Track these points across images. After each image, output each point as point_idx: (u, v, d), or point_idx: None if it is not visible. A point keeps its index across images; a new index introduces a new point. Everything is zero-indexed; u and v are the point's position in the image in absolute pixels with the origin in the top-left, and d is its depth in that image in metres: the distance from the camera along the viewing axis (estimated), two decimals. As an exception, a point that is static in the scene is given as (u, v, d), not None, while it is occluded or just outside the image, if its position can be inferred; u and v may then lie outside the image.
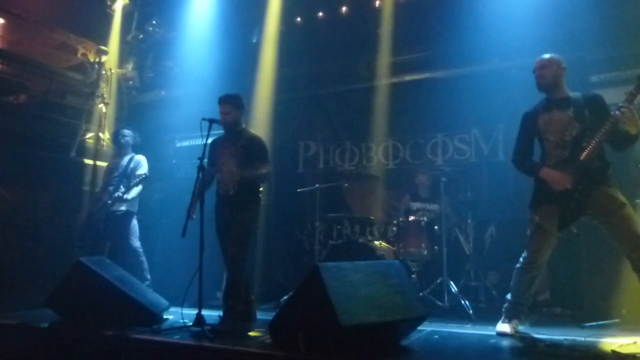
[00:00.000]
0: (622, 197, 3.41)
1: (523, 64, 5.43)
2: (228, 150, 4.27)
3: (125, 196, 5.23)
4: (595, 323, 3.96)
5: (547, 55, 3.70)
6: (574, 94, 3.63)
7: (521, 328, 3.79)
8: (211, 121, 4.16)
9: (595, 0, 4.95)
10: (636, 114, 3.32)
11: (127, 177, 5.36)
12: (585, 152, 3.41)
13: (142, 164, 5.44)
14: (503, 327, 3.72)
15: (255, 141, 4.32)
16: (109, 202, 5.23)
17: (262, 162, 4.21)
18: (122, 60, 7.19)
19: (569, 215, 3.45)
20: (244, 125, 4.45)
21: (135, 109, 7.28)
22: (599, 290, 4.30)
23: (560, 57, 3.69)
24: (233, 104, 4.33)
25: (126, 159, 5.47)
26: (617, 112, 3.31)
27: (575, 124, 3.50)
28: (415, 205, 5.62)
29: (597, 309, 4.19)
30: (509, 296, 3.78)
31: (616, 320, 4.03)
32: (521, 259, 3.69)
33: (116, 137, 5.61)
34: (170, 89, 7.10)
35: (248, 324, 4.05)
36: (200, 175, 4.03)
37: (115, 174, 5.41)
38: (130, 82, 7.31)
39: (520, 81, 5.42)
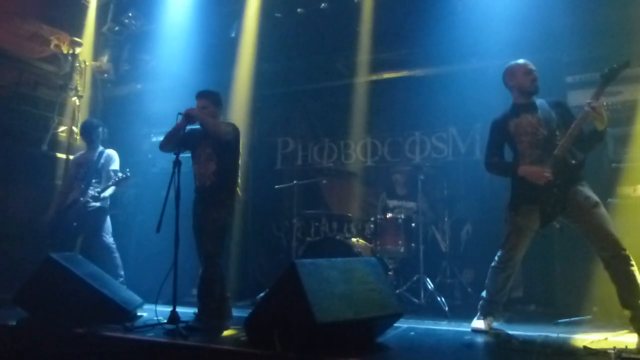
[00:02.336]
0: (595, 196, 3.48)
1: (500, 63, 5.45)
2: (204, 142, 4.23)
3: (103, 195, 5.13)
4: (568, 320, 4.04)
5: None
6: (538, 100, 3.73)
7: (496, 325, 3.85)
8: (187, 115, 4.10)
9: (571, 2, 5.02)
10: (603, 110, 3.41)
11: (98, 172, 5.26)
12: (558, 147, 3.48)
13: (114, 159, 5.34)
14: (478, 323, 3.78)
15: (229, 125, 4.30)
16: (82, 199, 5.12)
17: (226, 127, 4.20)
18: (96, 53, 7.04)
19: (550, 211, 3.50)
20: (221, 120, 4.40)
21: (110, 103, 7.15)
22: (571, 287, 4.40)
23: None
24: (211, 99, 4.29)
25: (96, 153, 5.34)
26: (586, 108, 3.39)
27: (544, 124, 3.60)
28: (392, 203, 5.65)
29: (570, 306, 4.28)
30: (484, 294, 3.84)
31: (588, 317, 4.11)
32: (496, 258, 3.75)
33: (86, 130, 5.46)
34: (146, 83, 6.98)
35: (223, 321, 4.01)
36: (176, 170, 3.97)
37: (85, 169, 5.27)
38: (105, 75, 7.17)
39: (498, 81, 5.48)
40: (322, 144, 6.66)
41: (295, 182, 5.66)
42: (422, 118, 6.05)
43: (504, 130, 3.78)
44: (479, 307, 3.86)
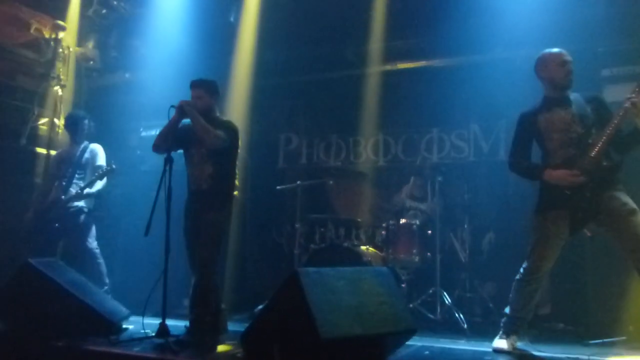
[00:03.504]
0: (632, 203, 3.47)
1: (528, 54, 5.49)
2: (199, 141, 4.24)
3: (86, 191, 5.18)
4: (600, 340, 4.04)
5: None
6: (573, 94, 3.72)
7: (520, 344, 3.84)
8: (181, 108, 4.13)
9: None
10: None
11: (82, 169, 5.31)
12: (596, 149, 3.46)
13: (99, 154, 5.39)
14: (500, 343, 3.76)
15: (225, 125, 4.30)
16: (63, 197, 5.17)
17: (223, 130, 4.19)
18: (81, 38, 7.08)
19: (581, 217, 3.51)
20: (217, 114, 4.43)
21: (96, 93, 7.20)
22: (604, 304, 4.39)
23: None
24: (206, 89, 4.31)
25: (79, 148, 5.39)
26: (625, 104, 3.38)
27: (579, 121, 3.58)
28: (409, 203, 5.65)
29: (602, 325, 4.28)
30: (507, 310, 3.83)
31: (623, 337, 4.11)
32: (521, 270, 3.74)
33: (72, 123, 5.50)
34: (135, 72, 7.03)
35: (217, 335, 4.05)
36: (168, 168, 4.00)
37: (67, 166, 5.32)
38: (91, 62, 7.22)
39: (526, 73, 5.48)
40: (329, 141, 6.69)
41: (298, 182, 5.68)
42: (441, 113, 6.07)
43: (532, 125, 3.76)
44: (501, 324, 3.85)
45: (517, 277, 3.76)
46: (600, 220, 3.51)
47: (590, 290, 4.48)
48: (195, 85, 4.31)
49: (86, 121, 5.50)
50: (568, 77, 3.69)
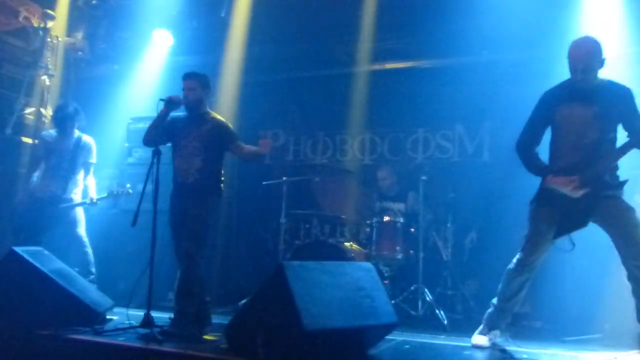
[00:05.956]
0: (628, 202, 3.47)
1: (515, 57, 5.61)
2: (191, 134, 4.27)
3: (95, 200, 5.24)
4: (577, 337, 4.14)
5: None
6: (602, 83, 3.54)
7: (500, 340, 3.86)
8: (169, 102, 4.17)
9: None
10: None
11: (75, 162, 5.26)
12: (603, 164, 3.41)
13: (92, 149, 5.38)
14: (479, 339, 3.78)
15: (223, 126, 4.35)
16: (64, 196, 5.13)
17: (238, 139, 4.35)
18: (71, 28, 7.05)
19: (567, 225, 3.50)
20: (208, 109, 4.47)
21: (84, 84, 7.18)
22: (581, 303, 4.50)
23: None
24: (198, 81, 4.33)
25: (71, 140, 5.33)
26: None
27: (597, 125, 3.47)
28: (387, 204, 5.72)
29: (579, 323, 4.38)
30: (494, 300, 3.82)
31: (598, 334, 4.21)
32: (514, 260, 3.71)
33: (64, 114, 5.36)
34: (124, 63, 7.02)
35: (202, 327, 4.07)
36: (155, 160, 4.03)
37: (58, 158, 5.23)
38: (80, 52, 7.19)
39: (512, 76, 5.60)
40: (316, 138, 6.74)
41: (284, 178, 5.72)
42: (427, 113, 6.14)
43: (550, 114, 3.63)
44: (484, 317, 3.85)
45: (509, 267, 3.72)
46: (597, 219, 3.48)
47: (569, 290, 4.59)
48: (188, 76, 4.34)
49: (80, 115, 5.42)
50: (577, 74, 3.49)
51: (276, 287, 3.15)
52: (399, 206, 5.63)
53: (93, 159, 5.37)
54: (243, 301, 4.90)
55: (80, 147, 5.33)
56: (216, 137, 4.26)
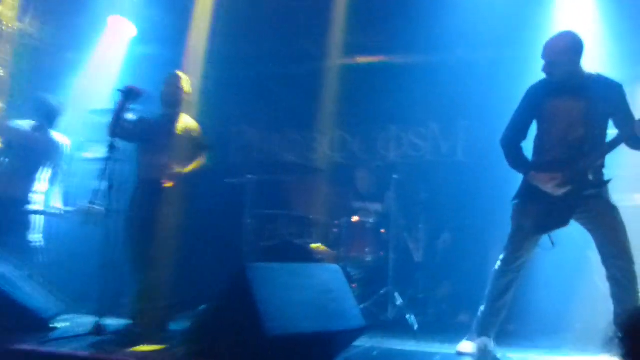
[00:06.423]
0: (613, 201, 3.49)
1: (491, 56, 5.66)
2: (163, 134, 4.25)
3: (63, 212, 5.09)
4: (549, 339, 4.21)
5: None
6: (591, 77, 3.54)
7: (487, 349, 3.71)
8: (128, 92, 4.10)
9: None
10: None
11: (45, 163, 5.09)
12: (587, 162, 3.42)
13: (66, 150, 5.23)
14: (464, 345, 3.72)
15: (195, 130, 4.51)
16: (32, 196, 4.97)
17: (204, 150, 4.48)
18: (21, 13, 6.88)
19: (548, 223, 3.50)
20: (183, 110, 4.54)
21: (36, 73, 6.98)
22: (553, 304, 4.55)
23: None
24: (186, 83, 4.47)
25: (44, 138, 5.14)
26: (635, 124, 3.28)
27: (584, 120, 3.47)
28: (357, 204, 5.71)
29: (552, 324, 4.43)
30: (482, 306, 3.78)
31: (570, 335, 4.27)
32: (499, 260, 3.71)
33: (49, 107, 5.20)
34: (79, 52, 6.86)
35: (158, 333, 4.00)
36: (111, 155, 3.97)
37: (30, 155, 5.01)
38: (32, 40, 7.01)
39: (488, 75, 5.64)
40: (283, 135, 6.70)
41: (249, 176, 5.66)
42: (400, 111, 6.16)
43: (537, 107, 3.62)
44: (473, 324, 3.80)
45: (495, 268, 3.71)
46: (579, 217, 3.50)
47: (542, 291, 4.62)
48: (179, 76, 4.46)
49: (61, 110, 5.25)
50: (554, 68, 3.51)
51: (238, 290, 3.12)
52: (376, 206, 5.62)
53: (65, 164, 5.20)
54: (204, 306, 4.81)
55: (55, 148, 5.15)
56: (189, 140, 4.38)
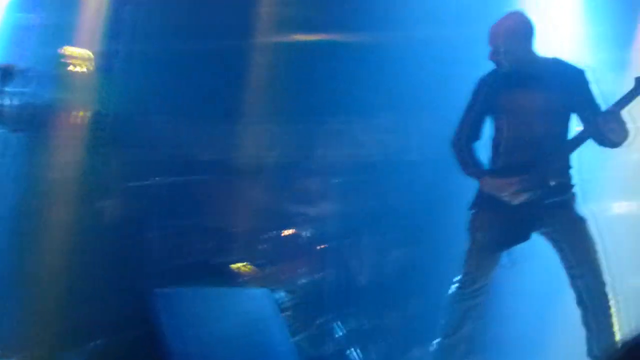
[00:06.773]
0: (580, 210, 3.64)
1: (456, 36, 5.74)
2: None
3: None
4: None
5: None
6: (548, 64, 3.69)
7: None
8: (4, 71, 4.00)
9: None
10: (624, 120, 3.46)
11: None
12: (547, 165, 3.55)
13: None
14: None
15: None
16: None
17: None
18: None
19: (507, 237, 3.61)
20: None
21: None
22: (525, 339, 4.70)
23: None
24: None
25: None
26: (599, 118, 3.45)
27: (542, 115, 3.61)
28: (289, 213, 5.71)
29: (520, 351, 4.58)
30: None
31: None
32: (455, 282, 3.79)
33: None
34: None
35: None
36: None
37: None
38: None
39: (451, 58, 5.72)
40: (202, 127, 6.62)
41: (157, 178, 5.58)
42: (343, 100, 6.19)
43: (491, 102, 3.75)
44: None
45: (450, 290, 3.79)
46: (543, 232, 3.63)
47: (508, 321, 4.76)
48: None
49: None
50: (499, 54, 3.64)
51: (141, 322, 3.09)
52: (312, 217, 5.63)
53: None
54: (99, 341, 4.72)
55: None
56: None
